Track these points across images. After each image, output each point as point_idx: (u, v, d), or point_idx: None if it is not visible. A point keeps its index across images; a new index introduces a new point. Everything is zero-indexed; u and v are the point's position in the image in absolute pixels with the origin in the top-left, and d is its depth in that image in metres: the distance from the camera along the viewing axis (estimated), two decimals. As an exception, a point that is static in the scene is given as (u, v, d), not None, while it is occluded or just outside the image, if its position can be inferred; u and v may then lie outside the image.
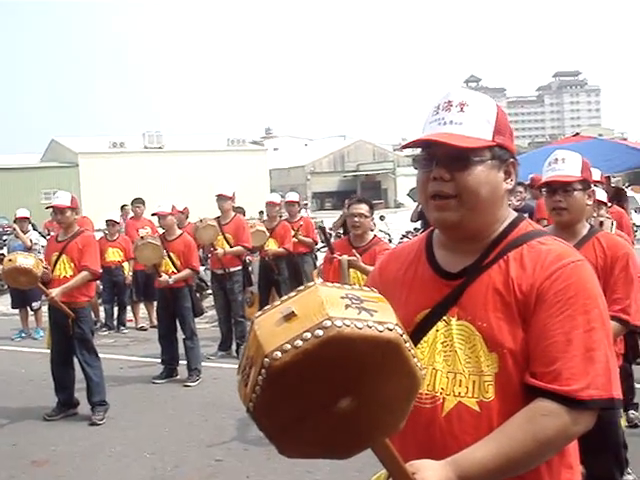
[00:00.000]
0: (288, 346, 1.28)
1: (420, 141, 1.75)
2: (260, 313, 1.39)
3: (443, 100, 1.76)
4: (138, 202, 12.16)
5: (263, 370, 1.29)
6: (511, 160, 1.79)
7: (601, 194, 5.29)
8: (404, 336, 1.36)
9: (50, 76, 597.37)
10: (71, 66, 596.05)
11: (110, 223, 11.26)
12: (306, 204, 26.37)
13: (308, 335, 1.28)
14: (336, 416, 1.35)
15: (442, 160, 1.71)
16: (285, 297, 1.40)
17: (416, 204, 10.94)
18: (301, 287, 1.40)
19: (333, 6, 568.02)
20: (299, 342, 1.28)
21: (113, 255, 11.16)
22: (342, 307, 1.32)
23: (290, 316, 1.32)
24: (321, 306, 1.32)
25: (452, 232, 1.80)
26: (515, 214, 1.85)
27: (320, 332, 1.28)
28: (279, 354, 1.28)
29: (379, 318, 1.34)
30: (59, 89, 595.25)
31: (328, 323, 1.28)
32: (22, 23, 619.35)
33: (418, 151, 1.80)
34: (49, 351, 6.98)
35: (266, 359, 1.28)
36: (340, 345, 1.29)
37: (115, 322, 11.57)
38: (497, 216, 1.79)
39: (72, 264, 6.65)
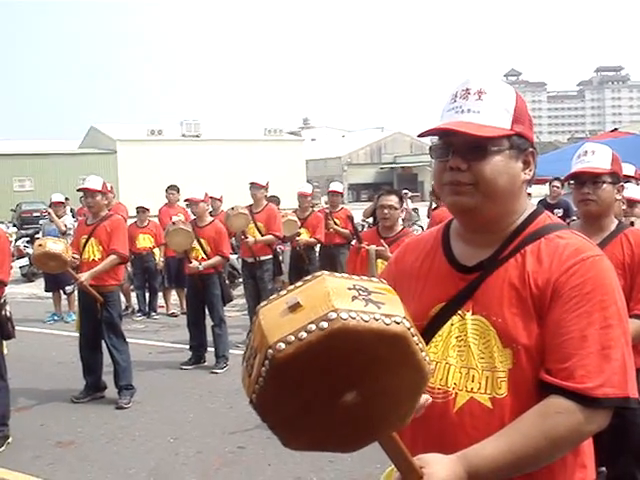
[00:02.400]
0: (292, 338, 1.24)
1: (437, 130, 1.71)
2: (265, 303, 1.36)
3: (461, 87, 1.72)
4: (172, 189, 12.19)
5: (266, 361, 1.25)
6: (530, 150, 1.73)
7: (637, 191, 5.16)
8: (412, 330, 1.32)
9: (90, 63, 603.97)
10: (111, 54, 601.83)
11: (140, 210, 11.34)
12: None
13: (312, 327, 1.24)
14: (341, 409, 1.31)
15: (459, 149, 1.67)
16: (292, 287, 1.36)
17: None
18: (308, 277, 1.36)
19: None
20: (303, 334, 1.24)
21: (144, 241, 11.25)
22: (349, 299, 1.28)
23: (295, 307, 1.28)
24: (327, 297, 1.28)
25: (467, 218, 1.75)
26: (534, 206, 1.80)
27: (324, 324, 1.24)
28: (282, 345, 1.24)
29: (386, 311, 1.29)
30: (99, 76, 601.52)
31: (333, 315, 1.24)
32: (64, 11, 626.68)
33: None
34: (79, 334, 7.06)
35: (269, 350, 1.25)
36: (345, 338, 1.25)
37: (146, 308, 11.66)
38: (515, 207, 1.74)
39: (100, 247, 6.73)
